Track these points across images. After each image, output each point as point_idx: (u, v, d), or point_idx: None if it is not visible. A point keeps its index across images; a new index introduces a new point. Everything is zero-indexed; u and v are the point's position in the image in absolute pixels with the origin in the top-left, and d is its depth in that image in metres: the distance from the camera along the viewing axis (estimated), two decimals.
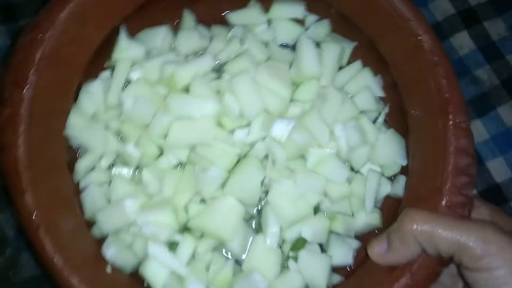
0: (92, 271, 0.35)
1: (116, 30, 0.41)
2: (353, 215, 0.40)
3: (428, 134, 0.37)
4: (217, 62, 0.42)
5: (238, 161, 0.39)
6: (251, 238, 0.39)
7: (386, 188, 0.41)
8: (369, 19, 0.41)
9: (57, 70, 0.37)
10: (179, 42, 0.43)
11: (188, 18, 0.44)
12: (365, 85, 0.42)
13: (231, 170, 0.39)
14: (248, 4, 0.45)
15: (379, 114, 0.43)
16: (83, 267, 0.34)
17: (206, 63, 0.41)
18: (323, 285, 0.38)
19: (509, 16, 0.55)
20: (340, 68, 0.43)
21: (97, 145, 0.39)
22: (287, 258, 0.39)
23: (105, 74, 0.41)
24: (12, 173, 0.34)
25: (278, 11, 0.44)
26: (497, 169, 0.52)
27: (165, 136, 0.39)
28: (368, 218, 0.40)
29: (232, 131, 0.39)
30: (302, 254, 0.38)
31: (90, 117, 0.40)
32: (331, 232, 0.40)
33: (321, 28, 0.44)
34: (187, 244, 0.37)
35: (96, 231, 0.37)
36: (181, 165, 0.40)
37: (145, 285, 0.38)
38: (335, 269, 0.40)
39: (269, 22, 0.45)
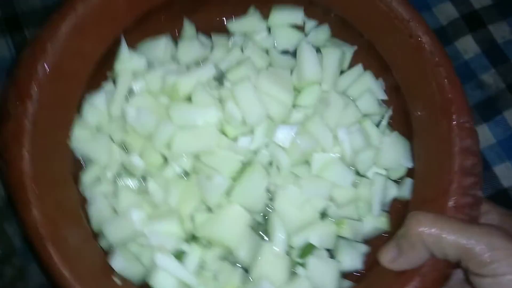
0: (100, 282, 0.36)
1: (117, 41, 0.42)
2: (360, 219, 0.41)
3: (432, 135, 0.38)
4: (218, 70, 0.43)
5: (242, 168, 0.40)
6: (259, 245, 0.39)
7: (393, 191, 0.41)
8: (368, 22, 0.42)
9: (60, 82, 0.38)
10: (180, 52, 0.44)
11: (189, 28, 0.45)
12: (367, 89, 0.43)
13: (236, 178, 0.39)
14: (247, 12, 0.46)
15: (383, 117, 0.43)
16: (90, 278, 0.35)
17: (207, 72, 0.42)
18: None
19: None
20: (342, 72, 0.44)
21: (101, 156, 0.40)
22: (295, 264, 0.39)
23: (108, 85, 0.42)
24: (18, 186, 0.34)
25: (278, 18, 0.45)
26: (505, 174, 0.51)
27: (169, 145, 0.39)
28: (375, 222, 0.41)
29: (235, 139, 0.40)
30: (310, 260, 0.39)
31: (94, 129, 0.41)
32: (339, 237, 0.40)
33: (321, 33, 0.45)
34: (194, 253, 0.38)
35: (103, 242, 0.38)
36: (185, 174, 0.41)
37: None
38: (344, 275, 0.40)
39: (269, 29, 0.46)
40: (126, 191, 0.39)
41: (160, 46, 0.44)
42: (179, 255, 0.38)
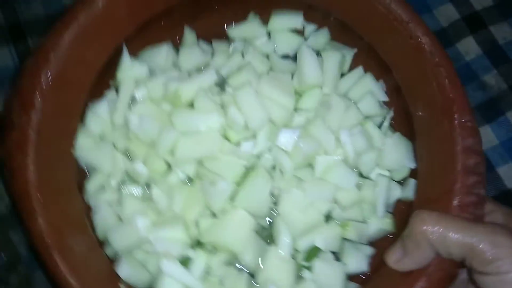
0: None
1: (119, 50, 0.43)
2: (365, 221, 0.41)
3: (434, 135, 0.39)
4: (219, 76, 0.43)
5: (246, 173, 0.40)
6: (264, 249, 0.40)
7: (397, 192, 0.42)
8: (367, 25, 0.42)
9: (63, 92, 0.39)
10: (181, 59, 0.45)
11: (189, 35, 0.46)
12: (368, 91, 0.44)
13: (240, 182, 0.40)
14: (247, 18, 0.47)
15: (384, 118, 0.44)
16: (97, 286, 0.35)
17: (209, 78, 0.42)
18: None
19: None
20: (342, 75, 0.45)
21: (105, 164, 0.40)
22: (301, 268, 0.40)
23: (111, 93, 0.43)
24: (23, 195, 0.35)
25: (277, 23, 0.46)
26: (508, 174, 0.52)
27: (172, 152, 0.40)
28: (380, 223, 0.41)
29: (238, 144, 0.41)
30: (316, 263, 0.39)
31: (98, 137, 0.41)
32: (344, 239, 0.41)
33: (321, 37, 0.46)
34: (200, 259, 0.38)
35: (108, 250, 0.39)
36: (189, 179, 0.41)
37: None
38: (350, 277, 0.40)
39: (268, 34, 0.46)
40: (131, 199, 0.40)
41: (162, 53, 0.45)
42: (185, 261, 0.38)
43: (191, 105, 0.42)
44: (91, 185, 0.40)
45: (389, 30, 0.40)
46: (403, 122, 0.42)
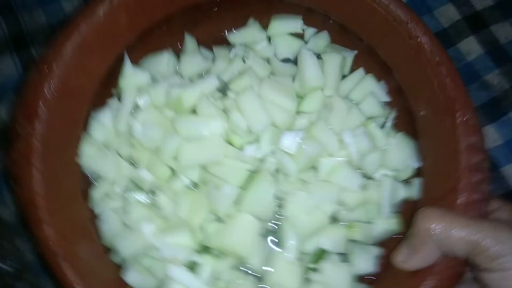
0: None
1: (121, 58, 0.44)
2: (371, 222, 0.42)
3: (437, 134, 0.40)
4: (221, 81, 0.44)
5: (250, 177, 0.41)
6: (271, 253, 0.41)
7: (402, 192, 0.42)
8: (367, 27, 0.43)
9: (67, 101, 0.40)
10: (183, 66, 0.46)
11: (190, 42, 0.47)
12: (369, 92, 0.45)
13: (244, 186, 0.41)
14: (247, 23, 0.48)
15: (387, 119, 0.45)
16: None
17: (210, 84, 0.43)
18: None
19: None
20: (343, 77, 0.46)
21: (110, 172, 0.41)
22: (308, 270, 0.41)
23: (113, 102, 0.44)
24: (29, 204, 0.36)
25: (277, 27, 0.47)
26: None
27: (176, 158, 0.41)
28: (386, 223, 0.42)
29: (241, 148, 0.42)
30: (324, 265, 0.40)
31: (102, 145, 0.42)
32: (351, 240, 0.42)
33: (321, 40, 0.47)
34: (206, 264, 0.39)
35: (115, 257, 0.39)
36: (194, 185, 0.42)
37: None
38: (358, 278, 0.41)
39: (269, 38, 0.48)
40: (136, 205, 0.41)
41: (163, 60, 0.46)
42: (192, 267, 0.39)
43: (194, 111, 0.43)
44: (96, 193, 0.41)
45: (388, 31, 0.41)
46: (406, 122, 0.43)
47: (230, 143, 0.42)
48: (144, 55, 0.46)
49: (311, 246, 0.40)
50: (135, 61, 0.45)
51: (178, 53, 0.47)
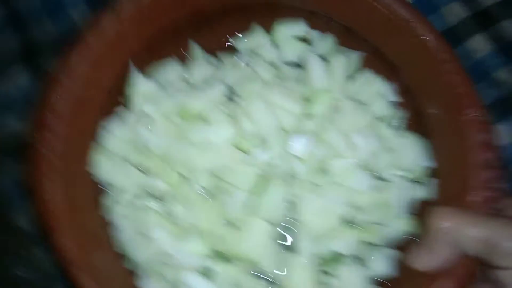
0: None
1: (127, 67, 0.45)
2: (386, 223, 0.42)
3: (447, 132, 0.40)
4: (228, 87, 0.45)
5: (261, 182, 0.42)
6: (285, 257, 0.41)
7: (415, 192, 0.43)
8: (371, 27, 0.44)
9: (78, 113, 0.41)
10: (189, 73, 0.47)
11: (195, 49, 0.48)
12: (378, 92, 0.45)
13: (255, 191, 0.41)
14: (251, 28, 0.49)
15: (397, 118, 0.45)
16: None
17: (217, 90, 0.44)
18: None
19: None
20: (351, 78, 0.47)
21: (121, 180, 0.42)
22: (323, 274, 0.41)
23: (122, 110, 0.45)
24: (45, 213, 0.37)
25: (281, 31, 0.48)
26: None
27: (187, 165, 0.42)
28: (401, 225, 0.42)
29: (251, 153, 0.42)
30: (339, 268, 0.40)
31: (113, 154, 0.43)
32: (366, 243, 0.42)
33: (326, 42, 0.48)
34: (220, 270, 0.40)
35: (129, 265, 0.40)
36: (205, 191, 0.43)
37: None
38: (375, 281, 0.41)
39: (273, 43, 0.48)
40: (149, 213, 0.41)
41: (169, 68, 0.47)
42: (206, 273, 0.40)
43: (202, 117, 0.44)
44: (109, 201, 0.42)
45: (392, 30, 0.41)
46: (416, 121, 0.44)
47: (239, 149, 0.43)
48: (150, 63, 0.47)
49: (325, 250, 0.41)
50: (142, 69, 0.46)
51: (183, 59, 0.48)
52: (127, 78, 0.45)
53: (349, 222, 0.42)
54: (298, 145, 0.42)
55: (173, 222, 0.41)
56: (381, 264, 0.41)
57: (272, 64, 0.48)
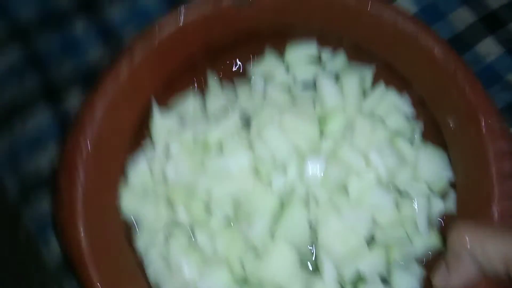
0: None
1: (149, 104, 0.48)
2: (409, 240, 0.42)
3: (464, 143, 0.40)
4: (244, 115, 0.47)
5: (281, 207, 0.43)
6: (310, 281, 0.42)
7: (438, 206, 0.43)
8: (379, 43, 0.45)
9: (103, 152, 0.44)
10: (208, 104, 0.49)
11: (212, 79, 0.51)
12: (393, 106, 0.46)
13: (276, 217, 0.43)
14: (264, 53, 0.51)
15: (414, 132, 0.46)
16: None
17: (233, 119, 0.46)
18: None
19: None
20: (365, 94, 0.47)
21: (149, 214, 0.45)
22: None
23: (147, 146, 0.48)
24: (74, 250, 0.40)
25: (293, 53, 0.50)
26: None
27: (209, 196, 0.44)
28: (425, 241, 0.42)
29: (269, 178, 0.44)
30: None
31: (140, 190, 0.46)
32: (390, 262, 0.42)
33: (337, 61, 0.49)
34: None
35: None
36: (228, 220, 0.45)
37: None
38: None
39: (286, 65, 0.50)
40: (177, 245, 0.44)
41: (188, 101, 0.49)
42: None
43: (220, 147, 0.46)
44: (138, 235, 0.45)
45: (400, 44, 0.42)
46: (433, 133, 0.44)
47: (259, 176, 0.44)
48: (170, 96, 0.50)
49: (349, 271, 0.42)
50: (163, 103, 0.49)
51: (201, 88, 0.51)
52: (150, 113, 0.48)
53: (372, 241, 0.43)
54: (315, 167, 0.43)
55: (199, 252, 0.43)
56: (408, 283, 0.41)
57: (286, 87, 0.49)
